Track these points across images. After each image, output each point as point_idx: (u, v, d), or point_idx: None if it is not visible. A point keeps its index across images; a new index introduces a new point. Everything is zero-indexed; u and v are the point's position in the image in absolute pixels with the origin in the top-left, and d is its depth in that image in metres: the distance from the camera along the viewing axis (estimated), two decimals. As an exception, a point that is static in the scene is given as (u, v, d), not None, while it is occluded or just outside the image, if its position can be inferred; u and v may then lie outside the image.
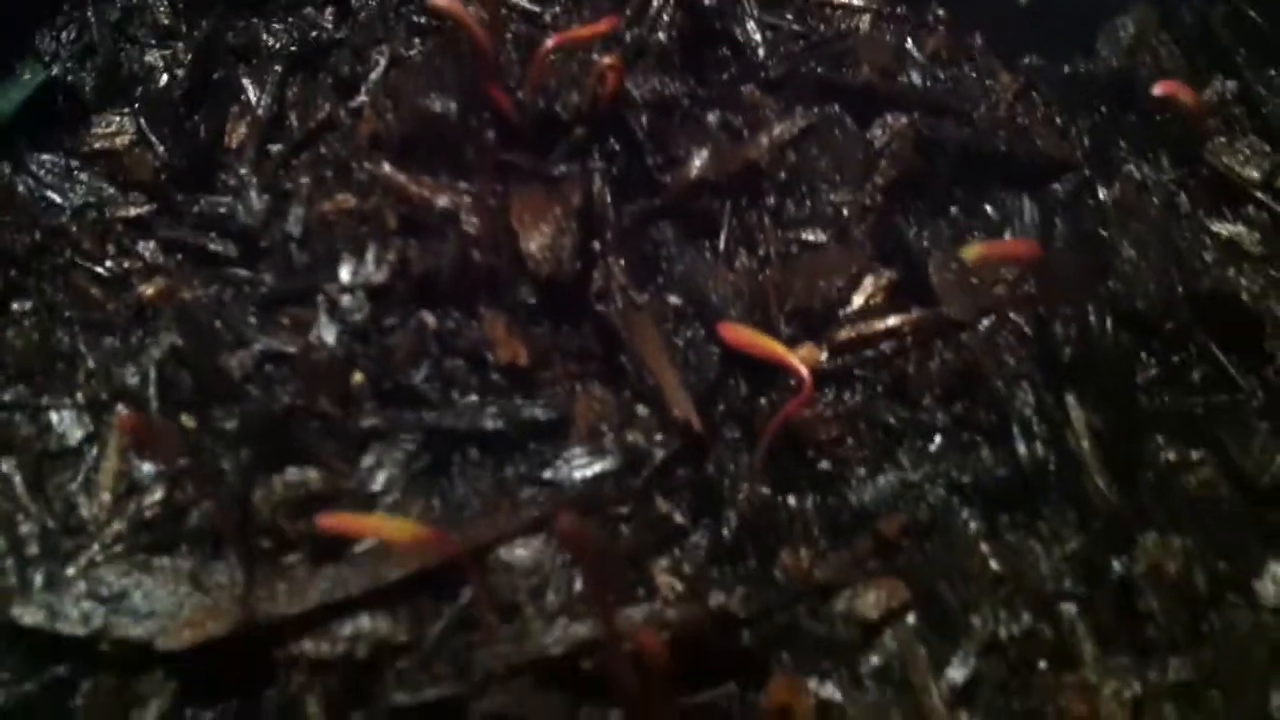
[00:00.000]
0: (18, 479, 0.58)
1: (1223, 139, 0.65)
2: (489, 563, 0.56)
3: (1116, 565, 0.55)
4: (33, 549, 0.56)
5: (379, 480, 0.58)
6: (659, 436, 0.59)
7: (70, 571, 0.55)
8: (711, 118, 0.67)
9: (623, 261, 0.64)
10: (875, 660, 0.54)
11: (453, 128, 0.66)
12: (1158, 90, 0.55)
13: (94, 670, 0.53)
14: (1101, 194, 0.65)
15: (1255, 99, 0.65)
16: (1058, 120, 0.67)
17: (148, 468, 0.59)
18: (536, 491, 0.58)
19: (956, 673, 0.53)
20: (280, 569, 0.55)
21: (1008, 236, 0.64)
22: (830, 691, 0.53)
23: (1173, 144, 0.65)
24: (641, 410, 0.60)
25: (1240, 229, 0.64)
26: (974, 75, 0.69)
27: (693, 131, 0.66)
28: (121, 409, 0.52)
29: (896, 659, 0.54)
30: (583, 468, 0.59)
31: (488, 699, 0.51)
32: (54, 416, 0.60)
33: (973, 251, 0.50)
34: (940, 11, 0.71)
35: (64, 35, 0.68)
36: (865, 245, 0.64)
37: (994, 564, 0.55)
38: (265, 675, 0.53)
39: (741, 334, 0.57)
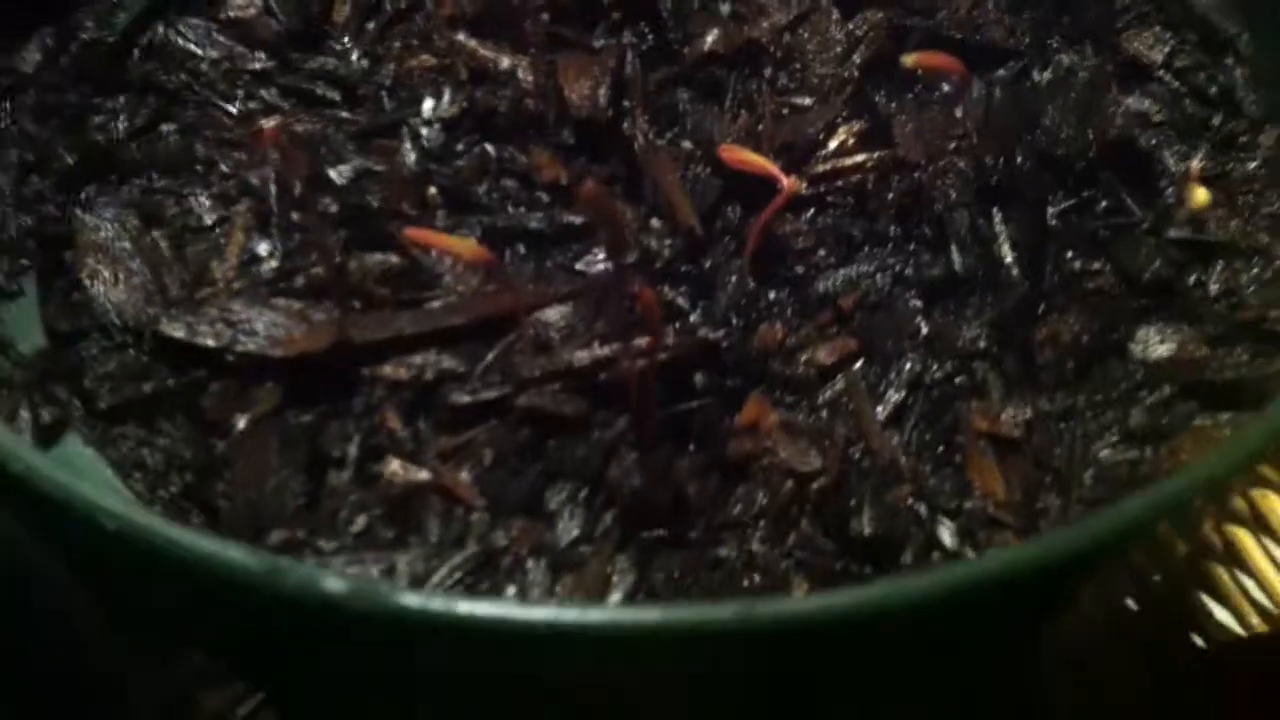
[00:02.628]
0: (164, 245, 0.74)
1: (1134, 30, 0.81)
2: (530, 320, 0.71)
3: (1022, 333, 0.69)
4: (175, 292, 0.72)
5: (445, 263, 0.74)
6: (668, 240, 0.74)
7: (205, 305, 0.70)
8: (724, 7, 0.83)
9: (647, 116, 0.79)
10: (828, 394, 0.69)
11: (514, 9, 0.82)
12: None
13: (221, 376, 0.68)
14: (1036, 77, 0.80)
15: (1160, -3, 0.82)
16: (1005, 20, 0.83)
17: (264, 246, 0.75)
18: (569, 277, 0.74)
19: (889, 402, 0.68)
20: (370, 313, 0.71)
21: (960, 108, 0.79)
22: (791, 415, 0.68)
23: (1095, 36, 0.81)
24: (655, 222, 0.75)
25: (1146, 101, 0.79)
26: (940, -14, 0.85)
27: (707, 17, 0.82)
28: (269, 121, 0.66)
29: (844, 393, 0.69)
30: (607, 261, 0.74)
31: (526, 397, 0.66)
32: (194, 202, 0.75)
33: (911, 57, 0.66)
34: (916, -64, 0.88)
35: (210, -73, 0.86)
36: (843, 110, 0.80)
37: (925, 329, 0.70)
38: (353, 389, 0.68)
39: (737, 152, 0.72)
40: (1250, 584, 0.77)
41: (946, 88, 0.81)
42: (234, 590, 0.47)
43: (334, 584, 0.44)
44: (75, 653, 0.62)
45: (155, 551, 0.47)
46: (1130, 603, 0.76)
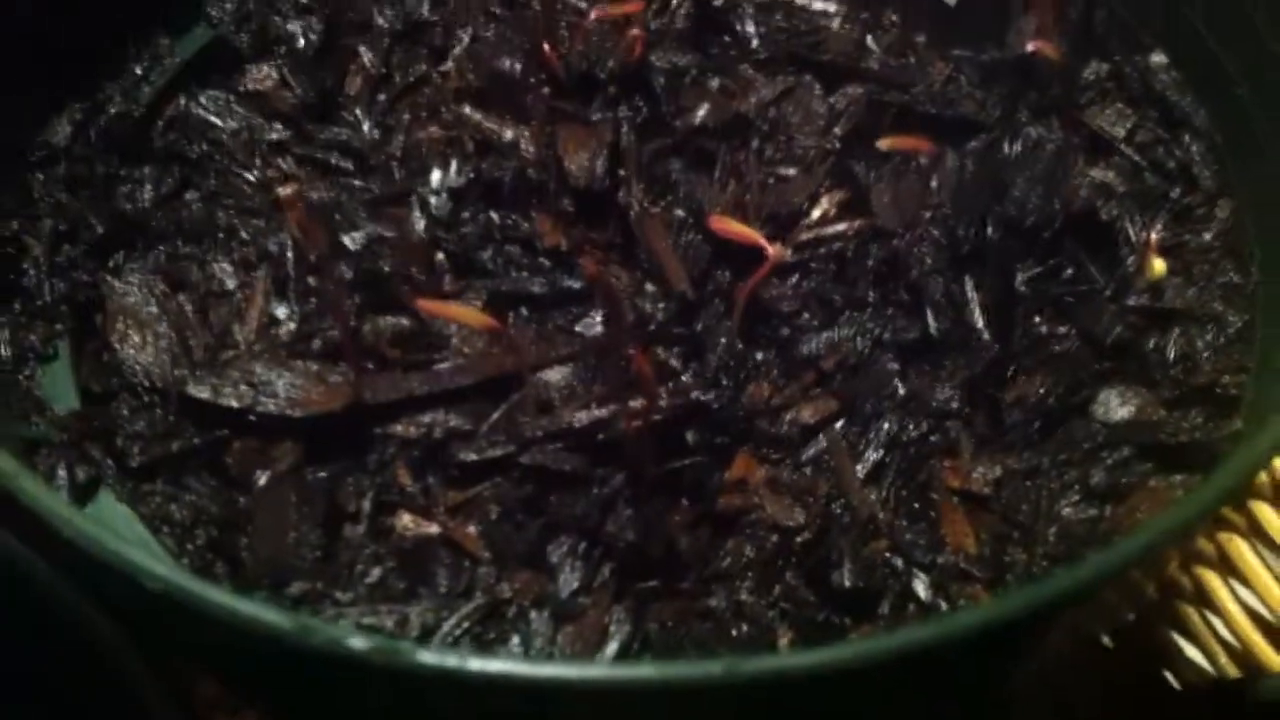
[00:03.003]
0: (189, 308, 0.78)
1: (1097, 106, 0.86)
2: (533, 380, 0.76)
3: (993, 394, 0.74)
4: (199, 355, 0.77)
5: (453, 326, 0.78)
6: (661, 304, 0.79)
7: (228, 367, 0.75)
8: (713, 83, 0.88)
9: (641, 185, 0.84)
10: (811, 452, 0.73)
11: (517, 83, 0.87)
12: (1030, 48, 0.76)
13: (243, 434, 0.73)
14: (1006, 149, 0.85)
15: (1123, 76, 0.87)
16: (977, 94, 0.88)
17: (283, 310, 0.79)
18: (569, 339, 0.78)
19: (868, 460, 0.73)
20: (382, 374, 0.75)
21: (935, 179, 0.85)
22: (776, 471, 0.73)
23: (1061, 111, 0.86)
24: (649, 286, 0.80)
25: (1109, 174, 0.84)
26: (915, 63, 0.90)
27: (698, 91, 0.87)
28: (286, 189, 0.70)
29: (827, 451, 0.73)
30: (604, 325, 0.79)
31: (529, 455, 0.71)
32: (216, 268, 0.80)
33: (886, 141, 0.71)
34: (894, 16, 0.93)
35: (228, 5, 0.91)
36: (825, 179, 0.85)
37: (901, 389, 0.75)
38: (366, 447, 0.73)
39: (726, 223, 0.77)
40: (1219, 624, 0.81)
41: (922, 159, 0.86)
42: (266, 644, 0.52)
43: (358, 643, 0.49)
44: (79, 654, 0.66)
45: (193, 610, 0.51)
46: (1105, 640, 0.81)
